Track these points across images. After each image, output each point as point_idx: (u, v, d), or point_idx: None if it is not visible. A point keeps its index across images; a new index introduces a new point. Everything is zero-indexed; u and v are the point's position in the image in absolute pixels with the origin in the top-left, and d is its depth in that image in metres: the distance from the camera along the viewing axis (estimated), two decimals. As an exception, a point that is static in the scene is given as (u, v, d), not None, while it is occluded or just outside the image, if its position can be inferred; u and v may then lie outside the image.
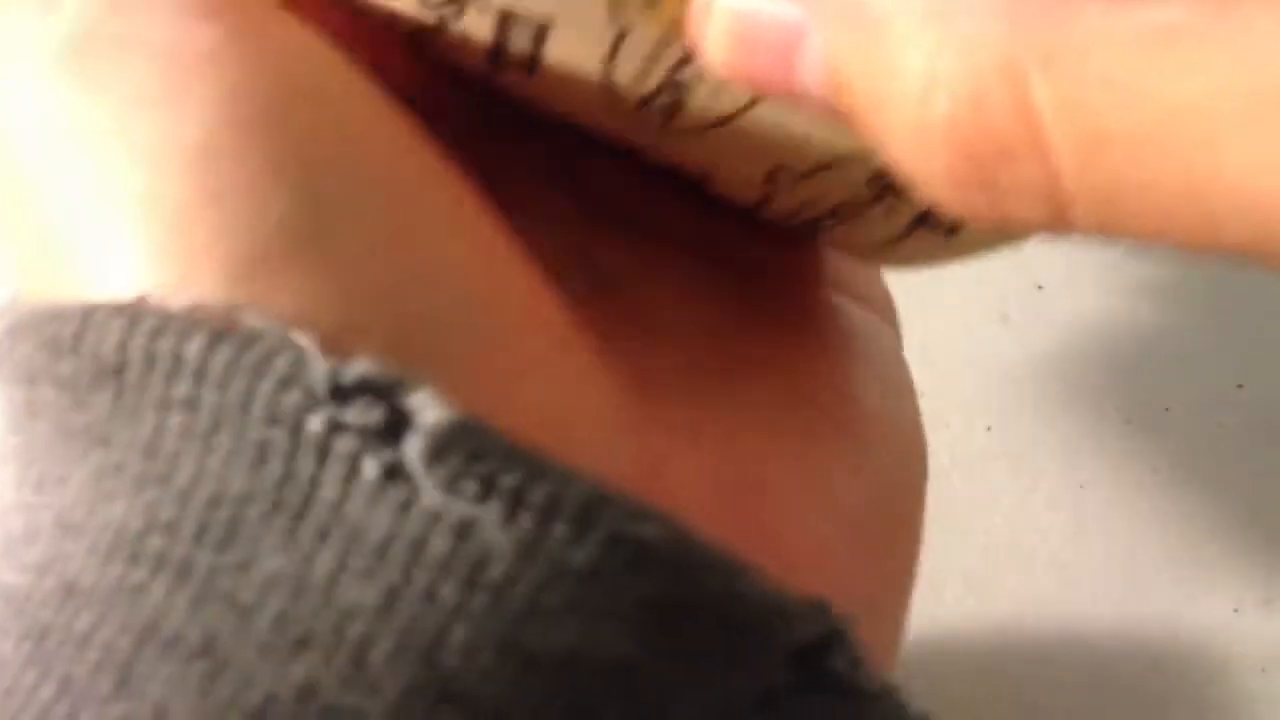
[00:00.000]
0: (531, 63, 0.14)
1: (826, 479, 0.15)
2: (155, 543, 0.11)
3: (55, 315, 0.11)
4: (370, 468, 0.10)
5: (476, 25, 0.14)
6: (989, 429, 0.28)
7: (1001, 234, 0.17)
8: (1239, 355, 0.30)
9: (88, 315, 0.11)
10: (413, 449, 0.10)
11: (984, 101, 0.10)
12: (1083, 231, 0.11)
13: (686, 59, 0.14)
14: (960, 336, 0.29)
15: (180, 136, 0.12)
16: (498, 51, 0.14)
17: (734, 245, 0.17)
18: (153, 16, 0.12)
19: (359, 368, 0.11)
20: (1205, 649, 0.26)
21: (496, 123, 0.16)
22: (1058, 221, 0.11)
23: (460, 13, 0.13)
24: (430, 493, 0.10)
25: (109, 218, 0.12)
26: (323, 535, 0.10)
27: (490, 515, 0.10)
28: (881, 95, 0.11)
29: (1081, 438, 0.29)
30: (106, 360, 0.11)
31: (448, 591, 0.10)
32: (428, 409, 0.10)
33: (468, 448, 0.10)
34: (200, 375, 0.11)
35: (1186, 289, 0.32)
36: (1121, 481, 0.28)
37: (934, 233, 0.17)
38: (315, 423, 0.10)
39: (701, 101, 0.15)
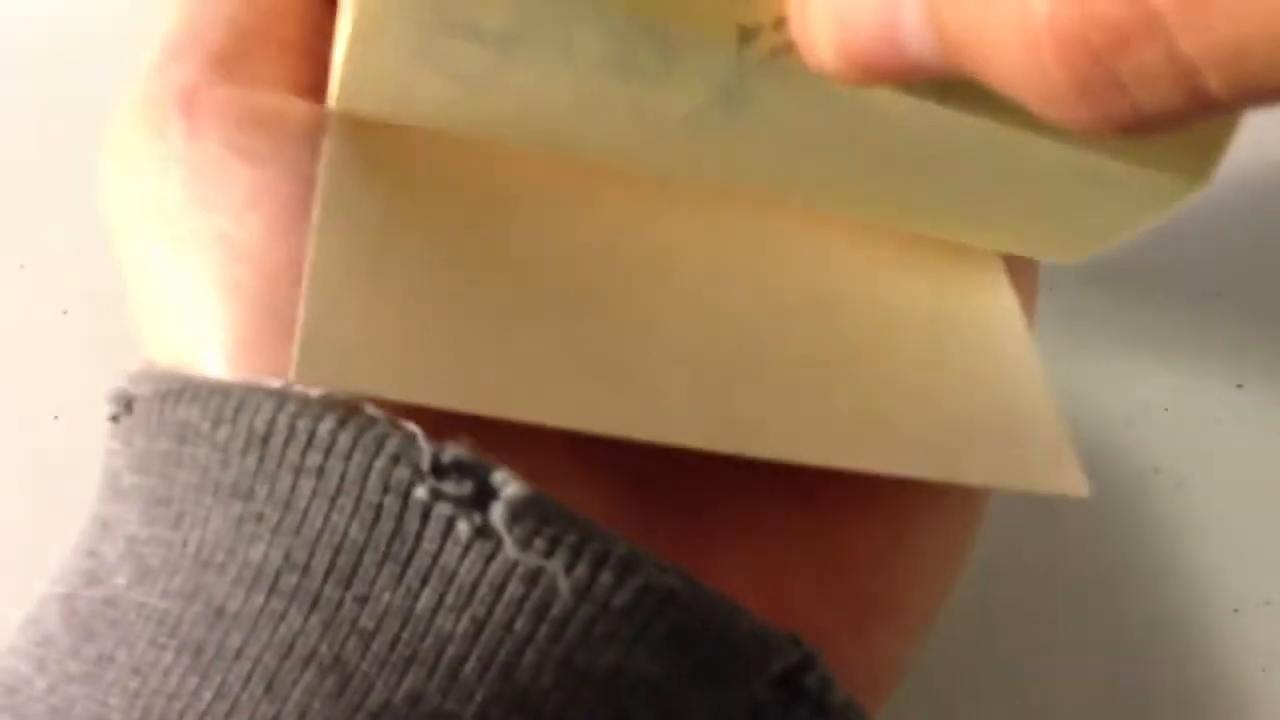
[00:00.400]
0: None
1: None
2: (291, 579, 0.14)
3: (218, 390, 0.15)
4: (463, 527, 0.14)
5: None
6: (989, 429, 0.28)
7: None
8: (1239, 355, 0.30)
9: (246, 394, 0.15)
10: (497, 514, 0.14)
11: None
12: (1229, 104, 0.10)
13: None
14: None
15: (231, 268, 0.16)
16: None
17: None
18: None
19: (454, 451, 0.14)
20: (1205, 649, 0.26)
21: None
22: (1197, 99, 0.11)
23: None
24: (509, 548, 0.14)
25: (205, 349, 0.16)
26: (424, 578, 0.14)
27: (555, 566, 0.14)
28: (981, 21, 0.11)
29: (1082, 438, 0.29)
30: (257, 431, 0.14)
31: (521, 624, 0.14)
32: (509, 484, 0.14)
33: (539, 515, 0.14)
34: (329, 449, 0.14)
35: (1186, 289, 0.32)
36: (1122, 482, 0.28)
37: None
38: (421, 491, 0.14)
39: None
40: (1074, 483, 0.17)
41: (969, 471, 0.17)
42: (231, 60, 0.19)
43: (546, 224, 0.17)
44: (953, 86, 0.15)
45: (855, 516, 0.17)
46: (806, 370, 0.17)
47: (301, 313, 0.15)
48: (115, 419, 0.16)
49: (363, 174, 0.17)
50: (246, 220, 0.17)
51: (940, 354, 0.18)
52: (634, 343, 0.16)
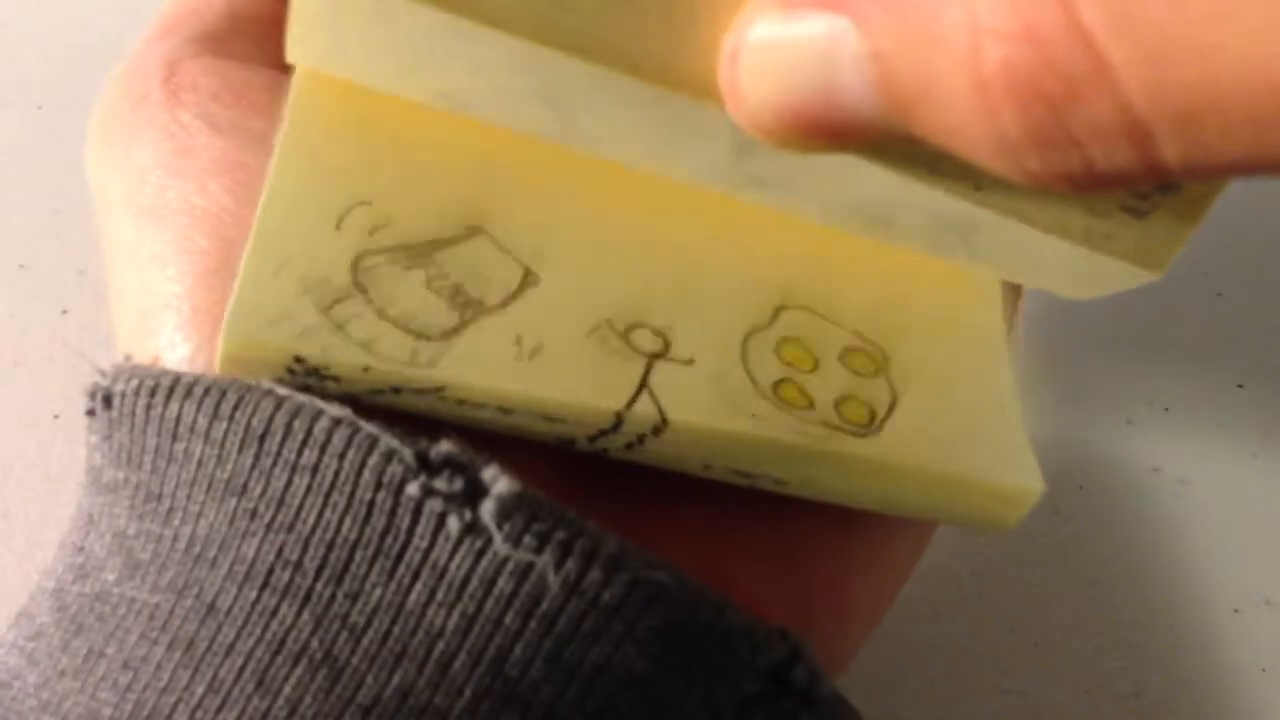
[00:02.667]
0: None
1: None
2: (283, 575, 0.14)
3: (214, 387, 0.15)
4: (454, 523, 0.14)
5: None
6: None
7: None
8: (1239, 355, 0.30)
9: (244, 392, 0.15)
10: (487, 510, 0.14)
11: (1036, 31, 0.10)
12: (1179, 171, 0.10)
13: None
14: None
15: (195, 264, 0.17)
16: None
17: None
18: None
19: (444, 448, 0.14)
20: (1205, 649, 0.25)
21: None
22: (1149, 164, 0.10)
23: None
24: (499, 544, 0.14)
25: (164, 314, 0.17)
26: (415, 574, 0.14)
27: (544, 562, 0.14)
28: (931, 70, 0.11)
29: (1082, 438, 0.29)
30: (254, 429, 0.14)
31: (511, 619, 0.14)
32: (499, 481, 0.14)
33: (529, 511, 0.14)
34: (324, 447, 0.14)
35: (1186, 289, 0.32)
36: (1122, 482, 0.28)
37: None
38: (412, 488, 0.14)
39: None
40: (1030, 480, 0.17)
41: (924, 458, 0.17)
42: (222, 38, 0.19)
43: (497, 196, 0.17)
44: (898, 151, 0.15)
45: (806, 512, 0.17)
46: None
47: (241, 268, 0.15)
48: (92, 413, 0.16)
49: (319, 138, 0.17)
50: (209, 188, 0.17)
51: (912, 338, 0.18)
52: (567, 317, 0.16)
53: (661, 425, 0.16)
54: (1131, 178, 0.10)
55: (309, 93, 0.17)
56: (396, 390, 0.15)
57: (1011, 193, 0.15)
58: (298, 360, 0.15)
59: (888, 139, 0.12)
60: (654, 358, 0.16)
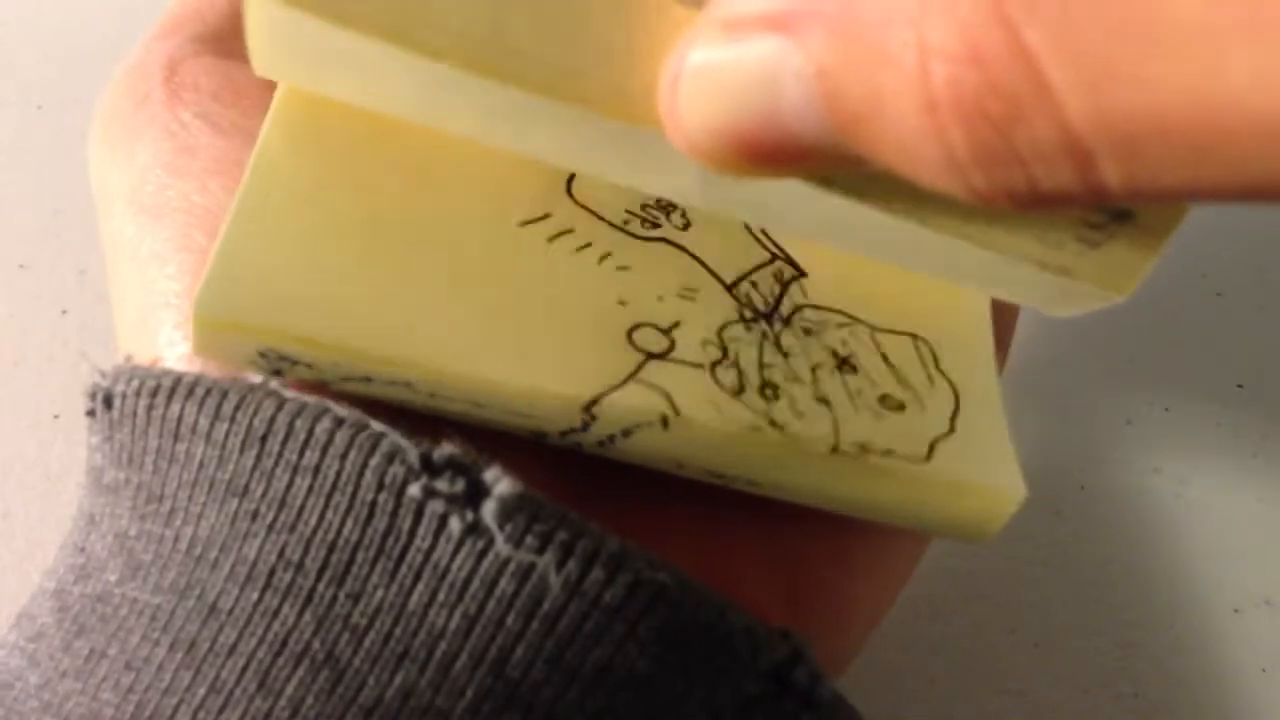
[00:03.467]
0: None
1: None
2: (285, 575, 0.14)
3: (215, 388, 0.15)
4: (455, 524, 0.14)
5: None
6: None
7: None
8: (1239, 355, 0.30)
9: (245, 393, 0.15)
10: (489, 511, 0.14)
11: (980, 52, 0.10)
12: (1120, 193, 0.10)
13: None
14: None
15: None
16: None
17: None
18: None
19: (446, 449, 0.14)
20: (1205, 649, 0.26)
21: None
22: (1091, 186, 0.10)
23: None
24: (501, 545, 0.14)
25: (163, 313, 0.17)
26: (417, 575, 0.14)
27: (546, 562, 0.14)
28: (878, 88, 0.11)
29: (1082, 438, 0.29)
30: (256, 429, 0.14)
31: (512, 620, 0.14)
32: (500, 482, 0.14)
33: (530, 511, 0.14)
34: (326, 448, 0.14)
35: (1186, 289, 0.32)
36: (1122, 482, 0.28)
37: None
38: (414, 489, 0.14)
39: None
40: (1012, 482, 0.17)
41: (906, 454, 0.17)
42: (224, 38, 0.19)
43: (473, 200, 0.17)
44: (841, 179, 0.15)
45: (806, 514, 0.17)
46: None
47: (216, 245, 0.15)
48: (92, 414, 0.16)
49: (301, 130, 0.17)
50: (210, 187, 0.17)
51: (901, 336, 0.18)
52: (543, 311, 0.16)
53: (632, 427, 0.16)
54: (1073, 197, 0.10)
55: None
56: (367, 379, 0.15)
57: (961, 218, 0.15)
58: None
59: (830, 163, 0.12)
60: (649, 356, 0.16)
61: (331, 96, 0.16)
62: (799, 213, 0.16)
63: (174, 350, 0.16)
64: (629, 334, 0.17)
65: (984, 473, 0.17)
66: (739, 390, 0.16)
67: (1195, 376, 0.30)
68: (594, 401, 0.16)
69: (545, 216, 0.17)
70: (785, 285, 0.18)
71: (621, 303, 0.17)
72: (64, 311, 0.28)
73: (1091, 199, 0.10)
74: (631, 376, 0.16)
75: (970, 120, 0.10)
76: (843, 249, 0.17)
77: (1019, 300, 0.18)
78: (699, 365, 0.16)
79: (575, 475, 0.17)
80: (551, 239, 0.17)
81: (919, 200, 0.15)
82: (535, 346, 0.16)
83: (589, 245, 0.17)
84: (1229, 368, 0.30)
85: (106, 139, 0.19)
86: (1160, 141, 0.09)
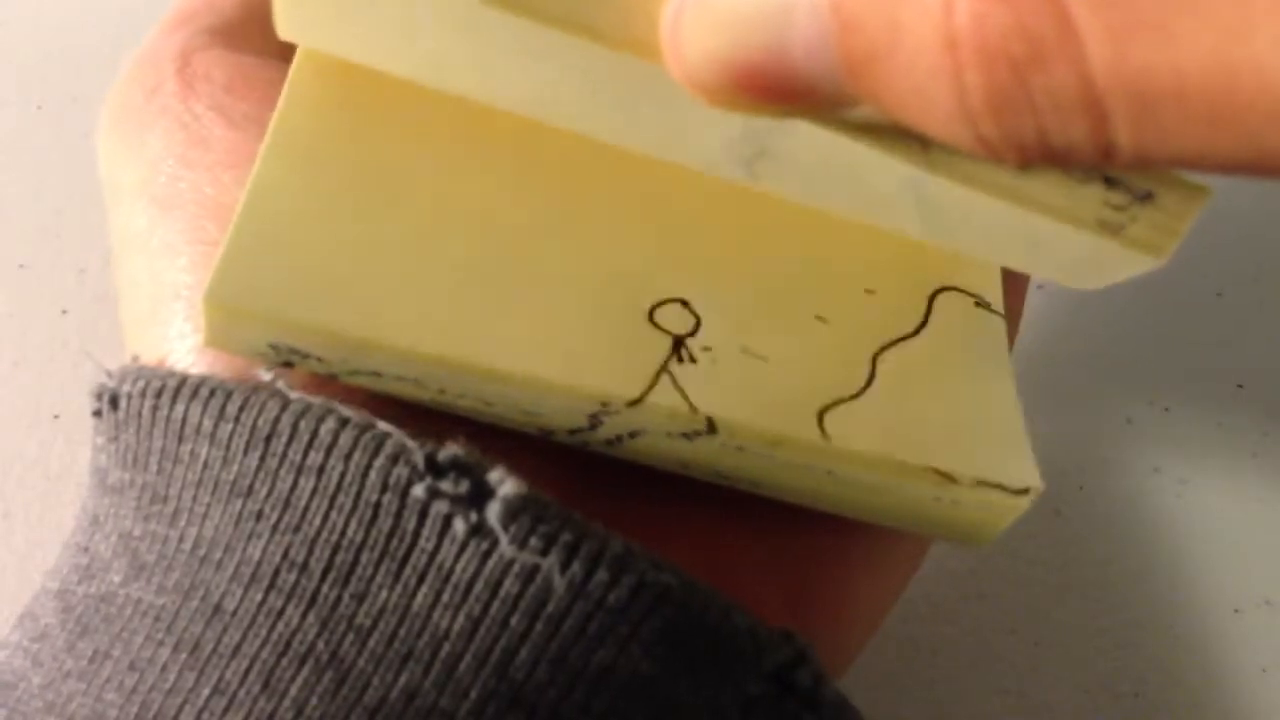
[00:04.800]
0: None
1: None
2: (289, 576, 0.14)
3: (220, 388, 0.15)
4: (459, 525, 0.14)
5: None
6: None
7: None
8: (1239, 355, 0.30)
9: (250, 394, 0.15)
10: (493, 512, 0.14)
11: None
12: (1128, 155, 0.10)
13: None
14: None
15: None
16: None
17: None
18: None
19: (451, 450, 0.14)
20: (1205, 649, 0.26)
21: None
22: (1099, 139, 0.10)
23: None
24: (505, 546, 0.14)
25: (174, 304, 0.17)
26: (421, 576, 0.14)
27: (550, 564, 0.14)
28: (897, 21, 0.10)
29: (1082, 438, 0.29)
30: (260, 430, 0.14)
31: (516, 621, 0.14)
32: (505, 483, 0.14)
33: (534, 513, 0.14)
34: (330, 448, 0.14)
35: (1187, 289, 0.32)
36: (1122, 482, 0.28)
37: None
38: (419, 490, 0.14)
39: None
40: (1028, 477, 0.17)
41: (924, 454, 0.17)
42: (237, 30, 0.19)
43: (489, 191, 0.17)
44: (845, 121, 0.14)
45: (808, 514, 0.17)
46: (766, 333, 0.17)
47: (228, 232, 0.15)
48: (98, 414, 0.16)
49: (313, 118, 0.17)
50: (222, 180, 0.17)
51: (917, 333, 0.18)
52: (563, 299, 0.16)
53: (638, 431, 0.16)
54: (1080, 155, 0.10)
55: (309, 62, 0.17)
56: (377, 374, 0.15)
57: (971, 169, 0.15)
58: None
59: (832, 105, 0.12)
60: (678, 341, 0.16)
61: (345, 54, 0.16)
62: (800, 163, 0.16)
63: (184, 343, 0.16)
64: (649, 314, 0.16)
65: (1001, 466, 0.17)
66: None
67: (1195, 376, 0.30)
68: (635, 401, 0.16)
69: (565, 208, 0.17)
70: None
71: (640, 291, 0.17)
72: (64, 311, 0.28)
73: (1098, 159, 0.10)
74: (660, 373, 0.16)
75: (991, 61, 0.10)
76: (855, 213, 0.17)
77: (1046, 271, 0.18)
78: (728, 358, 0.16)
79: (581, 474, 0.17)
80: (571, 228, 0.17)
81: (915, 146, 0.14)
82: (553, 338, 0.16)
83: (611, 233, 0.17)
84: (1229, 368, 0.30)
85: (117, 129, 0.19)
86: (1177, 106, 0.09)
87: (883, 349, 0.18)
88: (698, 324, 0.17)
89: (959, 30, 0.10)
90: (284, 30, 0.16)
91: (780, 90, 0.12)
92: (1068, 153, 0.10)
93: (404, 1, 0.15)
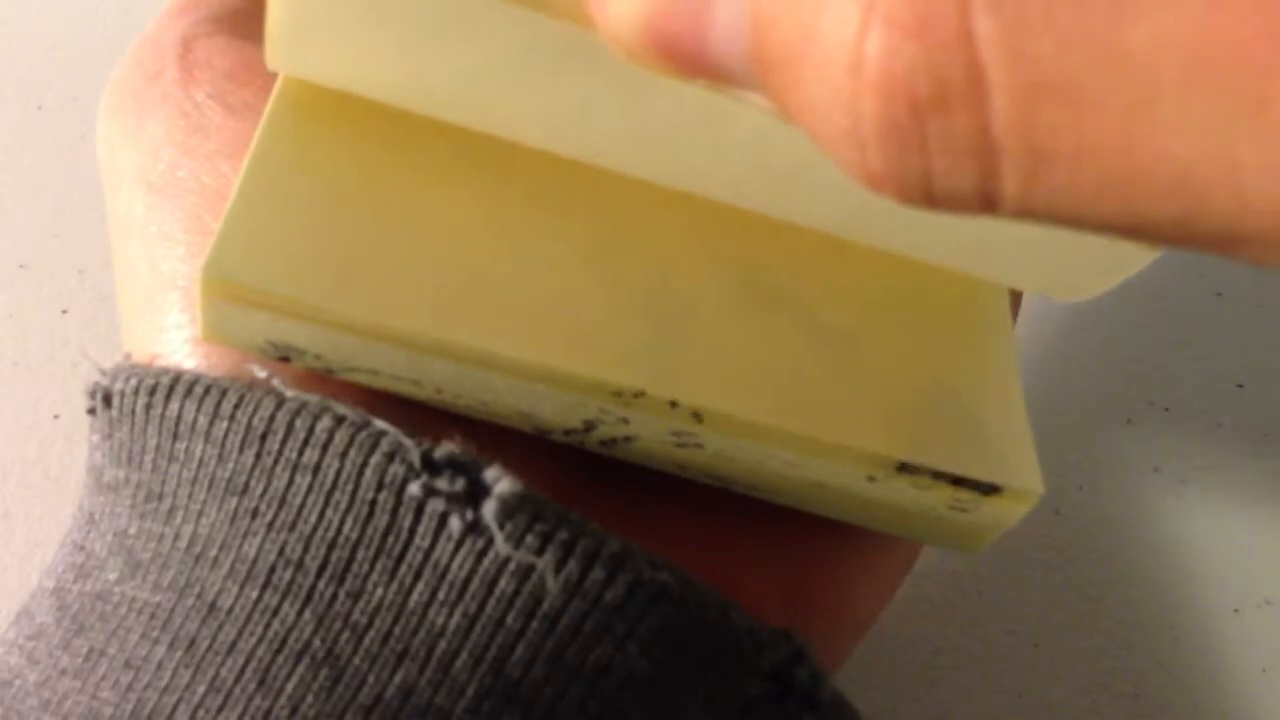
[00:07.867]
0: None
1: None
2: (285, 574, 0.14)
3: (215, 386, 0.15)
4: (455, 523, 0.14)
5: None
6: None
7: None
8: (1239, 355, 0.30)
9: (245, 391, 0.15)
10: (489, 510, 0.14)
11: (927, 29, 0.09)
12: (1009, 208, 0.10)
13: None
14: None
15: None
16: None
17: None
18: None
19: (447, 448, 0.14)
20: (1205, 649, 0.26)
21: None
22: (985, 188, 0.10)
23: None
24: (501, 544, 0.14)
25: (170, 294, 0.17)
26: (417, 574, 0.14)
27: (546, 562, 0.14)
28: (813, 30, 0.10)
29: (1082, 437, 0.29)
30: (255, 428, 0.14)
31: (512, 619, 0.14)
32: (501, 481, 0.14)
33: (530, 511, 0.14)
34: (326, 446, 0.14)
35: (1187, 289, 0.32)
36: (1121, 482, 0.28)
37: None
38: (414, 488, 0.14)
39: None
40: (1031, 479, 0.17)
41: (927, 454, 0.16)
42: (239, 17, 0.19)
43: (484, 190, 0.17)
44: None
45: (802, 515, 0.17)
46: (768, 330, 0.17)
47: (225, 212, 0.15)
48: (92, 412, 0.16)
49: (309, 99, 0.17)
50: (221, 169, 0.17)
51: (922, 334, 0.18)
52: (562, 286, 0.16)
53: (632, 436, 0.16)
54: (963, 202, 0.10)
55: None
56: (374, 372, 0.15)
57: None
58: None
59: (748, 90, 0.11)
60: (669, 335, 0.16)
61: (347, 87, 0.16)
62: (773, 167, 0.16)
63: (180, 334, 0.16)
64: (646, 305, 0.16)
65: (1004, 468, 0.17)
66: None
67: (1195, 376, 0.30)
68: (635, 393, 0.15)
69: (550, 195, 0.17)
70: None
71: (633, 277, 0.17)
72: (64, 311, 0.28)
73: (979, 208, 0.10)
74: (656, 364, 0.16)
75: (892, 95, 0.09)
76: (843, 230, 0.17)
77: (1026, 285, 0.18)
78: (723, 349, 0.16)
79: (578, 472, 0.17)
80: (556, 215, 0.17)
81: None
82: (548, 325, 0.16)
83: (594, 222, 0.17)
84: (1229, 368, 0.30)
85: (117, 113, 0.19)
86: (1071, 164, 0.09)
87: (884, 349, 0.18)
88: (694, 317, 0.17)
89: (867, 56, 0.09)
90: (274, 62, 0.16)
91: (694, 64, 0.11)
92: (949, 197, 0.10)
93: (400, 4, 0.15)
